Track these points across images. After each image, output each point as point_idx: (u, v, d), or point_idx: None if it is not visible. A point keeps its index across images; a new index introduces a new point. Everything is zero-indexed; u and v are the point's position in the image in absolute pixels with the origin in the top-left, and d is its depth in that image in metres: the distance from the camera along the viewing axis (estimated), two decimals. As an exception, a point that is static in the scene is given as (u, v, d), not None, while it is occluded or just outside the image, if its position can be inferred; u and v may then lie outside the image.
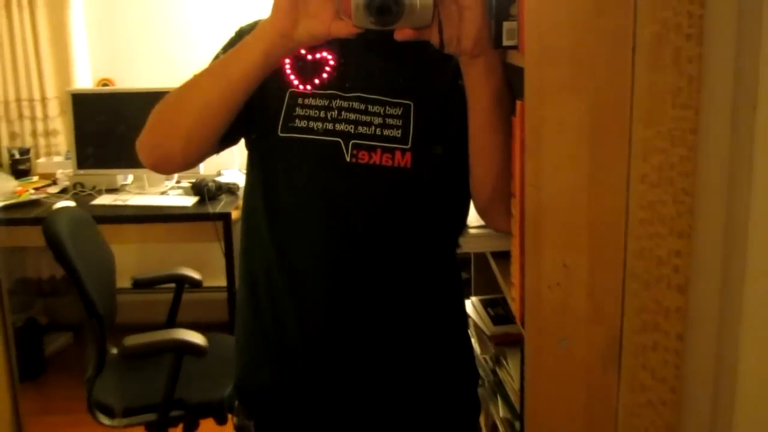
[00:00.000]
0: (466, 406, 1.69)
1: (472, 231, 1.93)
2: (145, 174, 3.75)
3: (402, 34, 1.24)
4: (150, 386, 2.74)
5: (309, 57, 1.43)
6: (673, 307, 1.08)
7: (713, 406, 1.11)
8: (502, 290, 1.82)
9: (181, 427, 3.06)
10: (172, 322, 3.09)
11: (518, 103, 1.38)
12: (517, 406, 1.82)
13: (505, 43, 1.64)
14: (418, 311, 1.51)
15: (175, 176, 3.79)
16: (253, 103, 1.39)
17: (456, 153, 1.43)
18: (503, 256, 1.85)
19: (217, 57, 1.46)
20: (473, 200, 1.51)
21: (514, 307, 1.57)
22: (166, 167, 1.61)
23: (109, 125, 3.71)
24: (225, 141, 1.45)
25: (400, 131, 1.39)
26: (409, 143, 1.39)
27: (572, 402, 1.26)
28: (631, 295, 1.08)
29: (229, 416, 1.66)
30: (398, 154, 1.38)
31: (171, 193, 3.74)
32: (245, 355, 1.57)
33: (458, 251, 1.64)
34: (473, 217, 1.96)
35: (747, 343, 1.07)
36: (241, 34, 1.43)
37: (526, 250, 1.24)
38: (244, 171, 1.56)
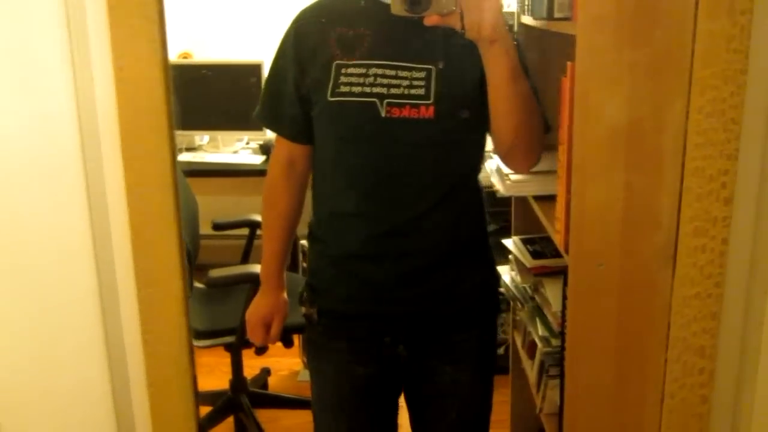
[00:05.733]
0: (489, 303, 1.82)
1: (513, 177, 2.03)
2: (220, 135, 3.84)
3: (430, 20, 1.40)
4: (229, 313, 2.84)
5: (350, 33, 1.57)
6: (720, 216, 1.18)
7: (748, 294, 1.22)
8: (544, 227, 1.91)
9: (253, 348, 3.18)
10: (245, 260, 3.19)
11: (568, 64, 1.49)
12: (554, 326, 1.92)
13: (557, 15, 1.75)
14: (448, 228, 1.66)
15: (245, 137, 3.88)
16: (309, 86, 1.59)
17: (473, 107, 1.57)
18: (541, 199, 1.95)
19: (274, 57, 1.68)
20: (495, 150, 1.67)
21: (558, 238, 1.67)
22: None
23: (189, 92, 3.78)
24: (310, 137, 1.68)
25: (423, 90, 1.53)
26: (432, 99, 1.53)
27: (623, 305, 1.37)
28: (685, 206, 1.18)
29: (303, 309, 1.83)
30: (423, 108, 1.53)
31: (242, 152, 3.82)
32: (314, 261, 1.76)
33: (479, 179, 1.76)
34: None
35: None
36: (285, 39, 1.65)
37: (590, 170, 1.34)
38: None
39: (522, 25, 2.25)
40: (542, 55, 2.24)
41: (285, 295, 1.89)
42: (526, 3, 2.10)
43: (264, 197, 1.80)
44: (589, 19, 1.33)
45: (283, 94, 1.66)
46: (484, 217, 1.76)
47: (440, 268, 1.66)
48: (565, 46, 1.55)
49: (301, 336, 3.35)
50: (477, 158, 1.71)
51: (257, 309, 1.86)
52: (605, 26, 1.31)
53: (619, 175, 1.35)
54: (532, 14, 1.96)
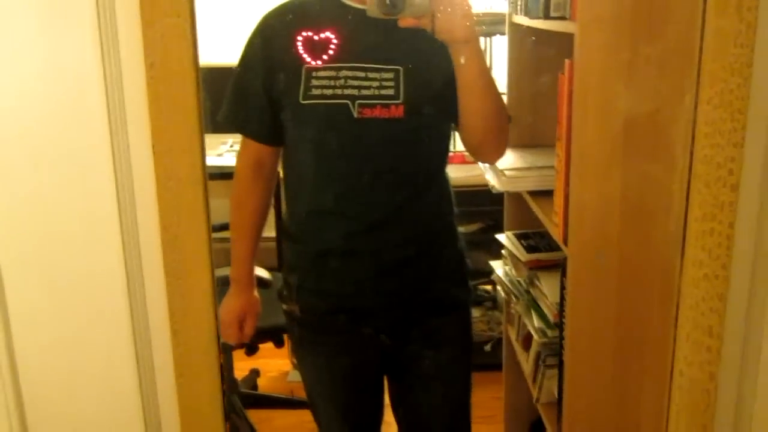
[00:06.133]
0: (462, 288, 1.90)
1: (509, 173, 2.10)
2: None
3: (405, 22, 1.49)
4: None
5: (317, 37, 1.64)
6: (727, 201, 1.25)
7: (753, 275, 1.30)
8: (537, 222, 1.98)
9: (243, 349, 3.20)
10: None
11: (566, 61, 1.56)
12: (550, 318, 1.99)
13: (552, 14, 1.83)
14: (421, 220, 1.74)
15: (230, 141, 3.90)
16: (279, 90, 1.65)
17: (440, 104, 1.66)
18: (536, 194, 2.03)
19: (240, 60, 1.72)
20: (463, 143, 1.76)
21: (557, 231, 1.74)
22: None
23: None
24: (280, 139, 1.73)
25: (393, 90, 1.61)
26: (401, 98, 1.61)
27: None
28: (695, 192, 1.26)
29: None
30: (393, 107, 1.60)
31: (226, 155, 3.84)
32: (291, 258, 1.83)
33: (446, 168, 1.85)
34: (509, 162, 2.14)
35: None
36: (252, 42, 1.70)
37: (590, 164, 1.42)
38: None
39: (513, 24, 2.32)
40: (533, 52, 2.32)
41: (256, 293, 1.95)
42: (519, 3, 2.17)
43: (232, 199, 1.85)
44: (589, 17, 1.40)
45: (251, 97, 1.71)
46: (453, 207, 1.85)
47: (415, 259, 1.74)
48: (557, 43, 1.63)
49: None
50: (445, 152, 1.81)
51: (230, 308, 1.91)
52: (606, 24, 1.38)
53: (620, 167, 1.42)
54: (527, 14, 2.03)
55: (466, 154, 3.41)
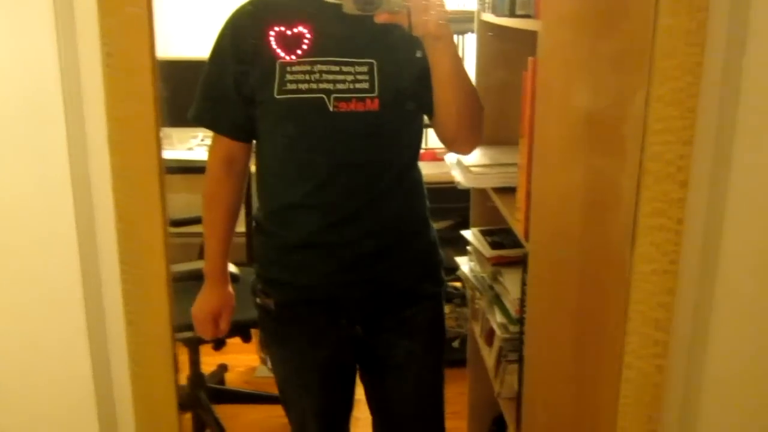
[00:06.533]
0: (434, 277, 1.93)
1: (475, 170, 2.12)
2: (174, 132, 3.86)
3: (381, 18, 1.52)
4: (186, 309, 2.86)
5: (289, 32, 1.66)
6: (676, 197, 1.28)
7: (701, 271, 1.33)
8: (502, 219, 2.01)
9: (211, 344, 3.20)
10: (202, 256, 3.19)
11: (530, 59, 1.59)
12: (512, 313, 2.02)
13: (518, 12, 1.86)
14: (395, 212, 1.78)
15: (200, 134, 3.89)
16: (252, 85, 1.66)
17: (413, 97, 1.70)
18: (501, 191, 2.05)
19: (210, 55, 1.73)
20: (438, 135, 1.79)
21: (519, 227, 1.76)
22: None
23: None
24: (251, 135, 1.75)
25: (368, 84, 1.64)
26: (376, 92, 1.64)
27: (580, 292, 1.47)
28: (645, 188, 1.28)
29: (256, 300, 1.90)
30: (368, 101, 1.64)
31: (197, 149, 3.84)
32: (264, 252, 1.84)
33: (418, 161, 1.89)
34: (475, 158, 2.16)
35: (729, 224, 1.29)
36: (222, 38, 1.71)
37: (551, 160, 1.45)
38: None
39: (481, 22, 2.35)
40: (500, 50, 2.35)
41: (230, 288, 1.97)
42: (487, 1, 2.20)
43: (204, 195, 1.87)
44: (552, 15, 1.43)
45: (222, 94, 1.72)
46: (425, 199, 1.88)
47: (389, 250, 1.77)
48: (523, 41, 1.65)
49: (259, 331, 3.40)
50: (418, 145, 1.84)
51: (205, 304, 1.93)
52: (568, 23, 1.41)
53: (580, 163, 1.45)
54: (494, 11, 2.06)
55: (437, 150, 3.45)
